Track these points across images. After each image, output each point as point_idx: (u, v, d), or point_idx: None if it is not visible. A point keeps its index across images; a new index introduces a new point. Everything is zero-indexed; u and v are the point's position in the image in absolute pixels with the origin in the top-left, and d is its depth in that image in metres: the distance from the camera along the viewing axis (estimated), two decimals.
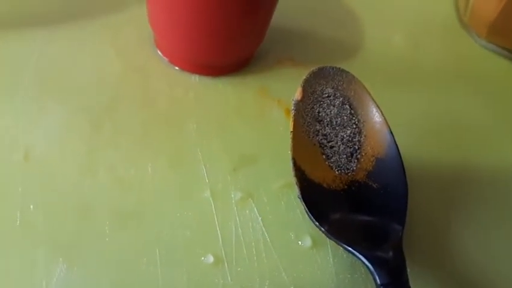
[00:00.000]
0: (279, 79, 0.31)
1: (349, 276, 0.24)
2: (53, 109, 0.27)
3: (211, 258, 0.23)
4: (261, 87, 0.31)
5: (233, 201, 0.25)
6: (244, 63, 0.31)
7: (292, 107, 0.26)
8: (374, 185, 0.25)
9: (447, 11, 0.39)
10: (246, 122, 0.29)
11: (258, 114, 0.29)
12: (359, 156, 0.26)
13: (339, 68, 0.27)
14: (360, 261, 0.22)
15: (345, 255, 0.25)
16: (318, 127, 0.26)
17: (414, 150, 0.29)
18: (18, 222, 0.23)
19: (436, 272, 0.25)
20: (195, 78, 0.30)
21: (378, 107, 0.26)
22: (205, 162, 0.27)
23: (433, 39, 0.37)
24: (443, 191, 0.28)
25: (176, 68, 0.31)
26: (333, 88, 0.27)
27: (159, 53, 0.31)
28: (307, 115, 0.26)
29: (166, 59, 0.31)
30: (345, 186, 0.25)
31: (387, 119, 0.26)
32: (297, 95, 0.26)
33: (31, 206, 0.24)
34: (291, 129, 0.25)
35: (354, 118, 0.26)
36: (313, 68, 0.27)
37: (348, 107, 0.27)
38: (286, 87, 0.30)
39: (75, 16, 0.32)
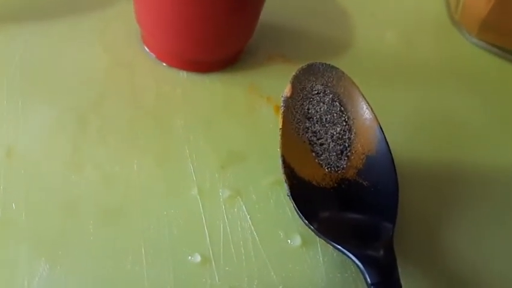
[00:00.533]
0: (269, 76, 0.31)
1: (339, 275, 0.24)
2: (38, 105, 0.27)
3: (198, 258, 0.23)
4: (251, 84, 0.30)
5: (221, 199, 0.25)
6: (233, 59, 0.31)
7: (282, 104, 0.25)
8: (364, 183, 0.25)
9: (438, 8, 0.38)
10: (234, 118, 0.29)
11: (247, 111, 0.29)
12: (349, 153, 0.26)
13: (329, 64, 0.27)
14: (350, 260, 0.22)
15: (335, 254, 0.24)
16: (307, 124, 0.26)
17: (406, 147, 0.29)
18: None
19: (428, 270, 0.25)
20: (183, 75, 0.30)
21: (368, 104, 0.26)
22: (192, 160, 0.26)
23: (424, 37, 0.36)
24: (435, 189, 0.28)
25: (164, 64, 0.30)
26: (322, 85, 0.26)
27: (146, 49, 0.31)
28: (296, 112, 0.26)
29: (154, 55, 0.30)
30: (335, 184, 0.25)
31: (379, 116, 0.25)
32: (287, 91, 0.26)
33: (13, 204, 0.23)
34: (280, 126, 0.25)
35: (344, 115, 0.26)
36: (303, 64, 0.26)
37: (338, 104, 0.26)
38: (276, 84, 0.30)
39: (61, 11, 0.32)
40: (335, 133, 0.26)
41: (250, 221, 0.24)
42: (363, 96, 0.26)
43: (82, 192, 0.24)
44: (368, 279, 0.21)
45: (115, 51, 0.30)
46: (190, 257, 0.23)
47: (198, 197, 0.25)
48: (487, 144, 0.31)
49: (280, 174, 0.24)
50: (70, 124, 0.26)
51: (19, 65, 0.28)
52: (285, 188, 0.24)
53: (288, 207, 0.25)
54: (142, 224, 0.23)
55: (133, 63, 0.30)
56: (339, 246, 0.22)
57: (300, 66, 0.26)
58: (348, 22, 0.36)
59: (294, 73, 0.26)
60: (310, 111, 0.26)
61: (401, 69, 0.34)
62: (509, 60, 0.36)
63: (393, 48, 0.35)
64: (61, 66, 0.29)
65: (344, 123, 0.26)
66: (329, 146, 0.26)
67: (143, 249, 0.23)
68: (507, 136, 0.32)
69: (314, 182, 0.25)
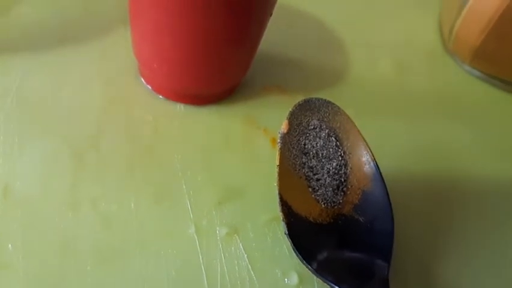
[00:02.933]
0: (265, 107, 0.31)
1: None
2: (35, 141, 0.27)
3: None
4: (247, 116, 0.30)
5: (218, 237, 0.25)
6: (230, 91, 0.31)
7: (279, 140, 0.25)
8: (361, 219, 0.25)
9: (432, 37, 0.39)
10: (231, 152, 0.29)
11: (244, 143, 0.29)
12: (345, 188, 0.26)
13: (325, 99, 0.27)
14: None
15: None
16: (304, 159, 0.26)
17: (400, 178, 0.29)
18: None
19: None
20: (180, 107, 0.30)
21: (364, 139, 0.26)
22: (189, 196, 0.26)
23: (418, 65, 0.37)
24: (430, 222, 0.28)
25: (161, 96, 0.30)
26: (318, 120, 0.27)
27: (143, 80, 0.31)
28: (293, 148, 0.26)
29: (150, 87, 0.30)
30: (332, 220, 0.25)
31: (372, 146, 0.26)
32: (283, 127, 0.26)
33: (10, 245, 0.23)
34: (277, 163, 0.25)
35: (339, 150, 0.26)
36: (301, 98, 0.26)
37: (334, 139, 0.26)
38: (272, 115, 0.30)
39: (57, 42, 0.32)
40: (331, 168, 0.26)
41: (247, 260, 0.24)
42: (359, 131, 0.26)
43: (79, 232, 0.24)
44: None
45: (111, 83, 0.30)
46: None
47: (195, 235, 0.25)
48: (482, 174, 0.31)
49: (276, 211, 0.24)
50: (66, 161, 0.26)
51: (15, 98, 0.28)
52: (282, 226, 0.24)
53: (285, 244, 0.25)
54: (140, 265, 0.23)
55: (129, 95, 0.30)
56: (336, 287, 0.23)
57: (297, 101, 0.26)
58: (342, 52, 0.36)
59: (290, 109, 0.26)
60: (306, 147, 0.26)
61: (395, 98, 0.34)
62: (501, 88, 0.36)
63: (387, 77, 0.35)
64: (57, 98, 0.29)
65: (340, 158, 0.26)
66: (325, 181, 0.26)
67: None
68: (502, 165, 0.32)
69: (311, 218, 0.25)
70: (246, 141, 0.29)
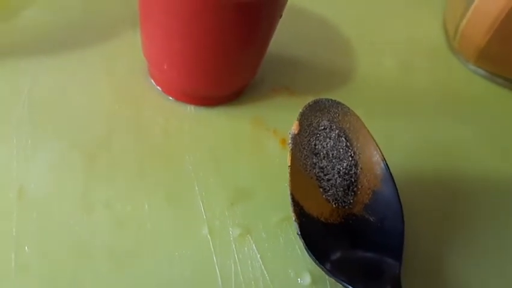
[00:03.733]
0: (274, 108, 0.31)
1: None
2: (47, 143, 0.27)
3: None
4: (256, 117, 0.31)
5: (231, 238, 0.25)
6: (239, 92, 0.31)
7: (290, 141, 0.26)
8: (371, 218, 0.26)
9: (437, 36, 0.39)
10: (242, 153, 0.29)
11: (254, 145, 0.29)
12: (355, 189, 0.26)
13: (335, 100, 0.27)
14: None
15: None
16: (314, 160, 0.26)
17: (408, 177, 0.29)
18: (13, 264, 0.23)
19: None
20: (190, 109, 0.30)
21: (373, 139, 0.26)
22: (202, 197, 0.26)
23: (423, 64, 0.37)
24: (439, 220, 0.28)
25: (171, 98, 0.30)
26: (328, 120, 0.27)
27: (153, 82, 0.31)
28: (304, 148, 0.26)
29: (160, 88, 0.31)
30: (343, 220, 0.26)
31: (381, 145, 0.26)
32: (294, 128, 0.26)
33: (26, 247, 0.23)
34: (289, 164, 0.25)
35: (350, 150, 0.27)
36: (309, 99, 0.27)
37: (344, 139, 0.27)
38: (282, 116, 0.30)
39: (66, 44, 0.32)
40: (341, 168, 0.26)
41: (260, 261, 0.25)
42: (368, 131, 0.27)
43: (94, 233, 0.24)
44: None
45: (122, 84, 0.31)
46: None
47: (209, 236, 0.25)
48: (489, 172, 0.31)
49: (287, 211, 0.24)
50: (79, 162, 0.26)
51: (27, 101, 0.28)
52: (294, 227, 0.24)
53: (298, 245, 0.26)
54: (155, 266, 0.24)
55: (139, 96, 0.30)
56: (349, 287, 0.23)
57: (306, 102, 0.27)
58: (350, 51, 0.36)
59: (300, 110, 0.26)
60: (317, 147, 0.26)
61: (401, 97, 0.35)
62: (506, 87, 0.37)
63: (393, 76, 0.36)
64: (68, 101, 0.29)
65: (350, 159, 0.26)
66: (336, 182, 0.26)
67: None
68: (509, 163, 0.32)
69: (322, 219, 0.25)
70: (255, 142, 0.30)
